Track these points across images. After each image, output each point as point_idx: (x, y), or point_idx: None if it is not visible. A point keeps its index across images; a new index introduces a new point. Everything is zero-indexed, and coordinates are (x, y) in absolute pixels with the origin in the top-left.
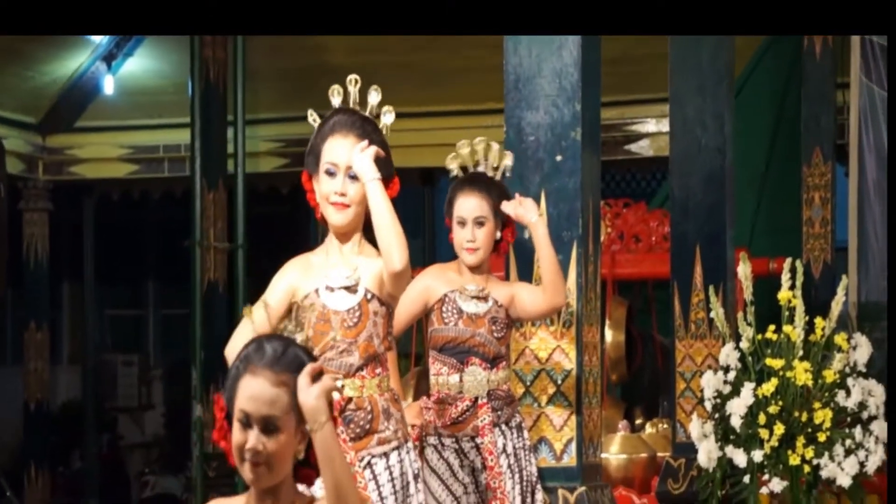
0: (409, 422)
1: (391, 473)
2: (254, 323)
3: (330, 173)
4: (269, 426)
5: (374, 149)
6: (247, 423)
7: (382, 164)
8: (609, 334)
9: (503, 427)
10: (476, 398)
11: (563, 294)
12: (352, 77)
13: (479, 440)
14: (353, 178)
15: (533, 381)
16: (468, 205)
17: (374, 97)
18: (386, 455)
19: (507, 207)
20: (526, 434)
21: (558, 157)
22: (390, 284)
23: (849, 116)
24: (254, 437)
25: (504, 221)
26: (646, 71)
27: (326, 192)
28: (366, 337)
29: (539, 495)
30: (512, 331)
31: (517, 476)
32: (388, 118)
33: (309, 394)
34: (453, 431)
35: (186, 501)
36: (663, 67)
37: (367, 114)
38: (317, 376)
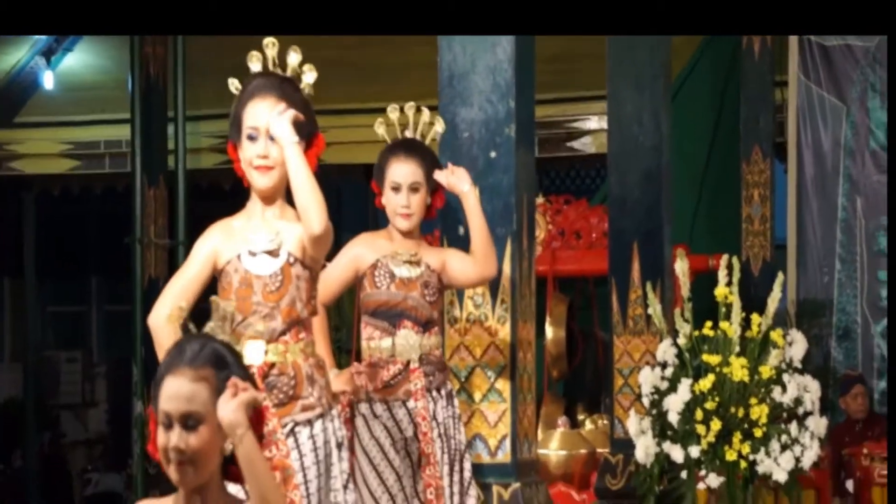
0: (339, 388)
1: (314, 443)
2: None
3: (251, 138)
4: (189, 422)
5: (291, 112)
6: (168, 423)
7: (304, 122)
8: (550, 331)
9: (434, 393)
10: (408, 362)
11: (494, 264)
12: (268, 40)
13: (411, 405)
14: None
15: (468, 377)
16: (403, 170)
17: (294, 58)
18: (310, 422)
19: (440, 176)
20: (455, 402)
21: (492, 154)
22: (311, 247)
23: (787, 114)
24: (175, 436)
25: (433, 188)
26: (588, 68)
27: (249, 157)
28: (288, 301)
29: (467, 464)
30: (443, 296)
31: (445, 444)
32: (309, 77)
33: (226, 407)
34: (384, 395)
35: (128, 499)
36: (604, 64)
37: (287, 74)
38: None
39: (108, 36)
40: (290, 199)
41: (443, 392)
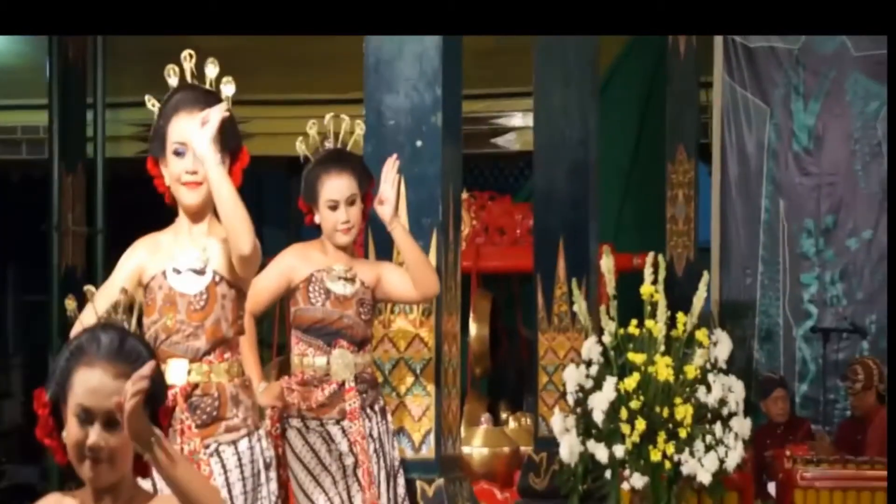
0: (268, 403)
1: (240, 461)
2: (96, 310)
3: (178, 153)
4: (111, 421)
5: (211, 127)
6: (86, 419)
7: (229, 136)
8: (473, 328)
9: (368, 411)
10: (343, 381)
11: (436, 283)
12: (186, 52)
13: (346, 424)
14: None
15: (391, 370)
16: (338, 185)
17: (212, 70)
18: (234, 443)
19: (375, 202)
20: (389, 418)
21: (418, 143)
22: (239, 268)
23: (712, 115)
24: (95, 434)
25: (364, 195)
26: (513, 64)
27: (177, 173)
28: (213, 320)
29: (401, 480)
30: (375, 313)
31: (382, 461)
32: (228, 89)
33: (128, 420)
34: (318, 414)
35: (43, 491)
36: (530, 60)
37: (206, 87)
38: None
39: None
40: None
41: (376, 408)
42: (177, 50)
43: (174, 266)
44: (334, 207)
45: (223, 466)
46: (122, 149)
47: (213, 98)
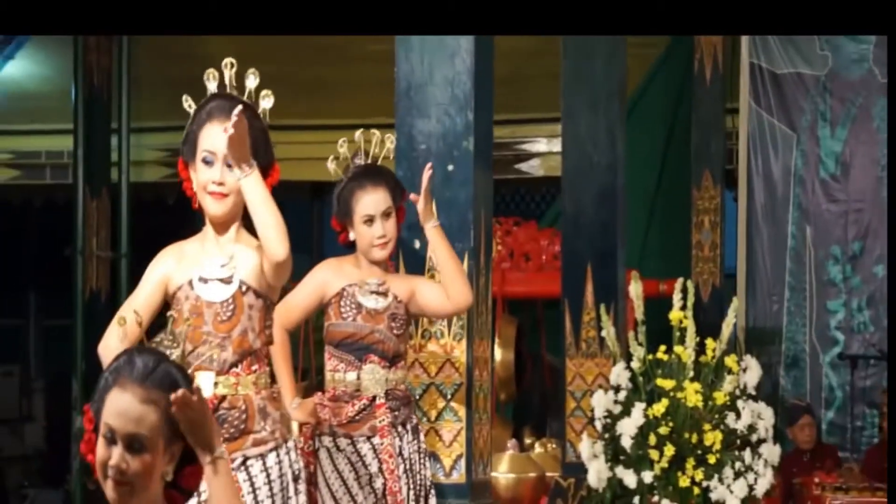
0: (301, 419)
1: (268, 475)
2: (123, 329)
3: (207, 162)
4: (133, 444)
5: (244, 137)
6: (111, 438)
7: (262, 150)
8: (498, 353)
9: (399, 429)
10: (374, 397)
11: (469, 293)
12: (227, 60)
13: (376, 441)
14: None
15: (422, 395)
16: (374, 199)
17: (252, 81)
18: (262, 456)
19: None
20: (422, 437)
21: (450, 167)
22: (272, 275)
23: (738, 142)
24: (117, 455)
25: (397, 208)
26: (537, 90)
27: (204, 182)
28: (240, 331)
29: (432, 501)
30: (409, 329)
31: (412, 481)
32: (266, 103)
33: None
34: (349, 431)
35: None
36: (554, 86)
37: (244, 99)
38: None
39: (50, 44)
40: (247, 225)
41: (408, 426)
42: (197, 78)
43: (200, 275)
44: (370, 222)
45: (251, 482)
46: (146, 173)
47: (247, 110)
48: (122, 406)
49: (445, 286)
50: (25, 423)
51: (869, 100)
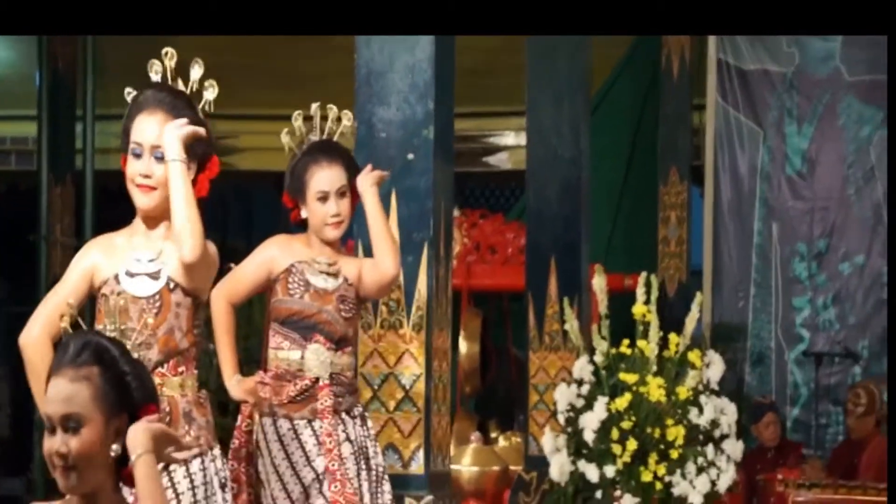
0: (240, 397)
1: (192, 482)
2: (62, 327)
3: (135, 154)
4: (69, 424)
5: (186, 128)
6: (51, 427)
7: (197, 142)
8: (463, 346)
9: (344, 416)
10: (317, 378)
11: (395, 263)
12: (167, 50)
13: (317, 425)
14: (160, 158)
15: (381, 386)
16: (328, 176)
17: (196, 71)
18: (185, 462)
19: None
20: (370, 424)
21: (410, 156)
22: (184, 275)
23: (704, 137)
24: (57, 440)
25: (352, 188)
26: (505, 83)
27: (132, 174)
28: (166, 329)
29: (387, 486)
30: (360, 313)
31: (365, 465)
32: (209, 93)
33: (133, 428)
34: (289, 411)
35: (28, 502)
36: (522, 79)
37: (186, 90)
38: None
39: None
40: None
41: (354, 413)
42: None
43: (127, 269)
44: (324, 199)
45: (174, 488)
46: (111, 161)
47: (181, 100)
48: (54, 392)
49: (374, 249)
50: None
51: (836, 97)
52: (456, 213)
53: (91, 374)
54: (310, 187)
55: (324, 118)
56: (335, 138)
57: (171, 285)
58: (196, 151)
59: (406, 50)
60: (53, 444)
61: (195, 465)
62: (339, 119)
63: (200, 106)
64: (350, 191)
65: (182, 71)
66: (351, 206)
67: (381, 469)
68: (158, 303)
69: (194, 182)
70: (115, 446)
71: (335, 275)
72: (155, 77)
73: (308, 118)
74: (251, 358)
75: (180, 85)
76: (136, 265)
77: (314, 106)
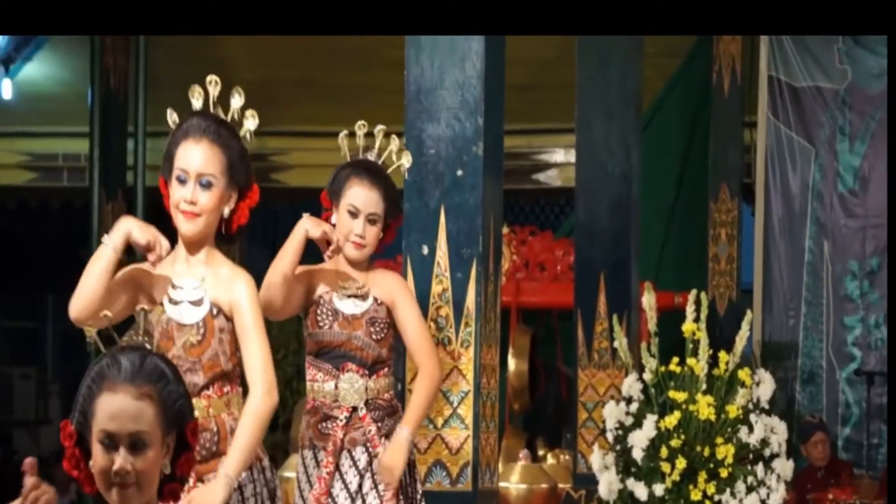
0: (315, 227)
1: (242, 493)
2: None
3: (181, 180)
4: (136, 443)
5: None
6: (111, 444)
7: (239, 171)
8: (512, 363)
9: (384, 440)
10: (354, 408)
11: (436, 364)
12: (211, 78)
13: (357, 453)
14: (205, 185)
15: None
16: (365, 197)
17: (237, 101)
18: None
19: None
20: (411, 449)
21: (459, 172)
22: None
23: (756, 155)
24: (121, 458)
25: (387, 224)
26: (555, 99)
27: (176, 200)
28: (211, 355)
29: None
30: (392, 331)
31: (402, 493)
32: (250, 123)
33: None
34: (325, 443)
35: None
36: (572, 96)
37: (227, 118)
38: None
39: (68, 46)
40: (219, 245)
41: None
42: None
43: (171, 296)
44: (354, 215)
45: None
46: None
47: (226, 130)
48: (116, 408)
49: (416, 361)
50: (41, 425)
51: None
52: (505, 230)
53: (152, 392)
54: (344, 196)
55: (369, 135)
56: (390, 169)
57: (214, 311)
58: (237, 180)
59: (456, 66)
60: (116, 462)
61: (244, 477)
62: (400, 151)
63: (242, 134)
64: (383, 226)
65: (223, 98)
66: (377, 235)
67: (417, 496)
68: (202, 329)
69: (235, 210)
70: (165, 462)
71: (364, 297)
72: (196, 103)
73: (352, 134)
74: (301, 373)
75: (220, 113)
76: (178, 293)
77: (379, 127)
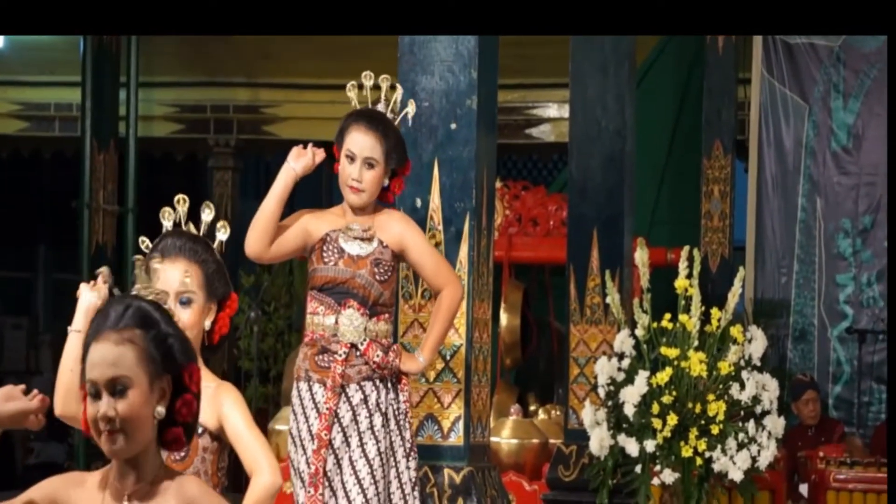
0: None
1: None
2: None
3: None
4: (116, 387)
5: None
6: (96, 393)
7: (217, 284)
8: (504, 318)
9: (377, 382)
10: (353, 345)
11: (457, 285)
12: (179, 197)
13: (350, 390)
14: (185, 303)
15: None
16: (362, 141)
17: (207, 214)
18: None
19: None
20: (402, 397)
21: (453, 125)
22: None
23: (749, 112)
24: (104, 404)
25: (394, 171)
26: (549, 54)
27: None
28: (192, 473)
29: (412, 463)
30: (396, 275)
31: (398, 438)
32: (221, 234)
33: None
34: (323, 376)
35: (69, 469)
36: (566, 51)
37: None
38: None
39: None
40: (205, 352)
41: (389, 382)
42: (207, 35)
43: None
44: (351, 159)
45: None
46: (154, 128)
47: (199, 245)
48: (98, 356)
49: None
50: (33, 375)
51: (883, 72)
52: (498, 184)
53: (134, 336)
54: (343, 143)
55: (376, 87)
56: (397, 121)
57: (200, 430)
58: (216, 293)
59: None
60: (99, 408)
61: None
62: (392, 87)
63: (215, 246)
64: (383, 167)
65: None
66: (377, 180)
67: (407, 445)
68: (186, 448)
69: (216, 321)
70: (159, 408)
71: (370, 239)
72: (167, 224)
73: (361, 87)
74: (292, 326)
75: (192, 228)
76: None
77: (384, 76)
